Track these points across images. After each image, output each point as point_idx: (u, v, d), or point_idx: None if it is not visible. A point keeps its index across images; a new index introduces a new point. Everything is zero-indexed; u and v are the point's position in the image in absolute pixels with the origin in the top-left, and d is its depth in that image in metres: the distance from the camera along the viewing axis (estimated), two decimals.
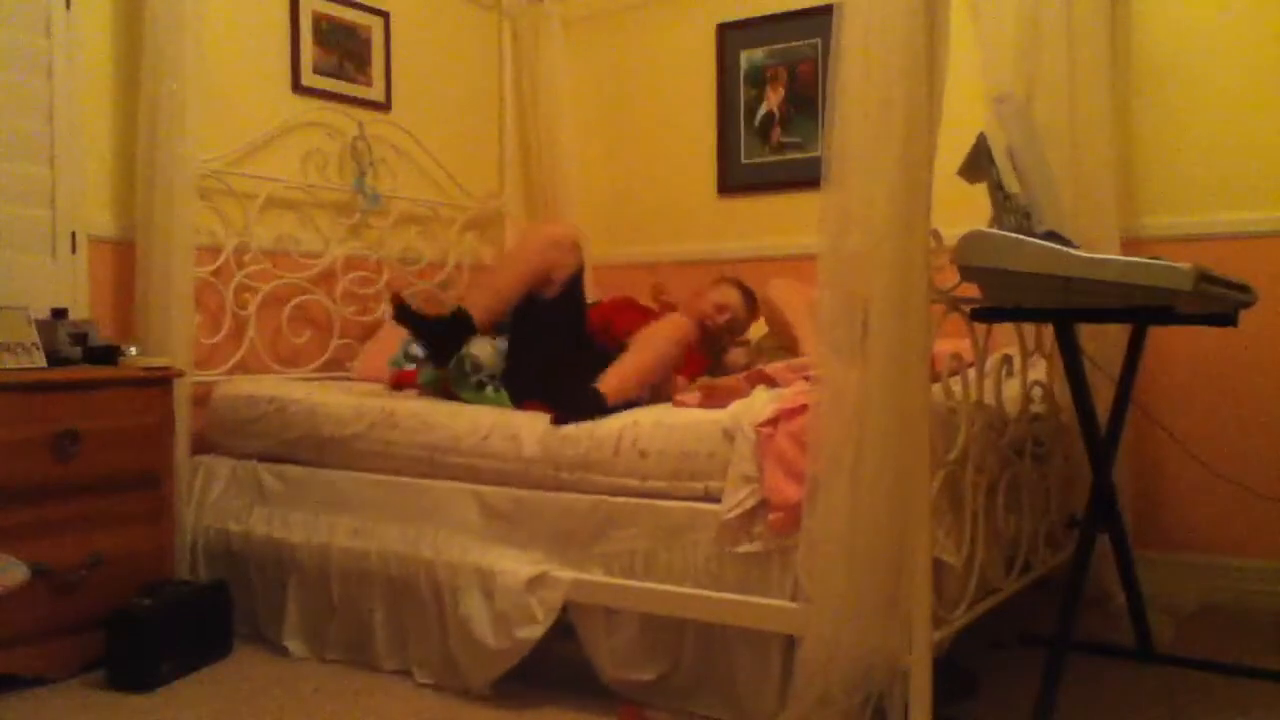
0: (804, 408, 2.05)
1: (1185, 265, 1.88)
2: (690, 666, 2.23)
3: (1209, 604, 2.93)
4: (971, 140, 2.19)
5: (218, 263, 3.15)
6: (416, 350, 3.18)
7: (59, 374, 2.50)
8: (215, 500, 2.90)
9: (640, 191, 4.11)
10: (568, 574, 2.31)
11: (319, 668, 2.58)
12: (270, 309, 3.32)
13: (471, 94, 4.13)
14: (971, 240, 2.03)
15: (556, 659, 2.37)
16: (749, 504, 2.10)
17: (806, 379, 2.14)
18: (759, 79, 3.84)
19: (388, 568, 2.54)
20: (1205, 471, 2.81)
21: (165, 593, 2.53)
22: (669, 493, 2.25)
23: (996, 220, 2.14)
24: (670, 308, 3.12)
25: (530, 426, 2.48)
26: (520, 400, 2.68)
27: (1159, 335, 2.68)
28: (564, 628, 2.33)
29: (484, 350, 2.95)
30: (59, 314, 2.68)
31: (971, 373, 2.19)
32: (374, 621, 2.56)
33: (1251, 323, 2.46)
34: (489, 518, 2.45)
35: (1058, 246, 2.01)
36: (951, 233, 2.01)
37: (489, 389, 2.80)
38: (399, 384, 3.05)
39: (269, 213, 3.31)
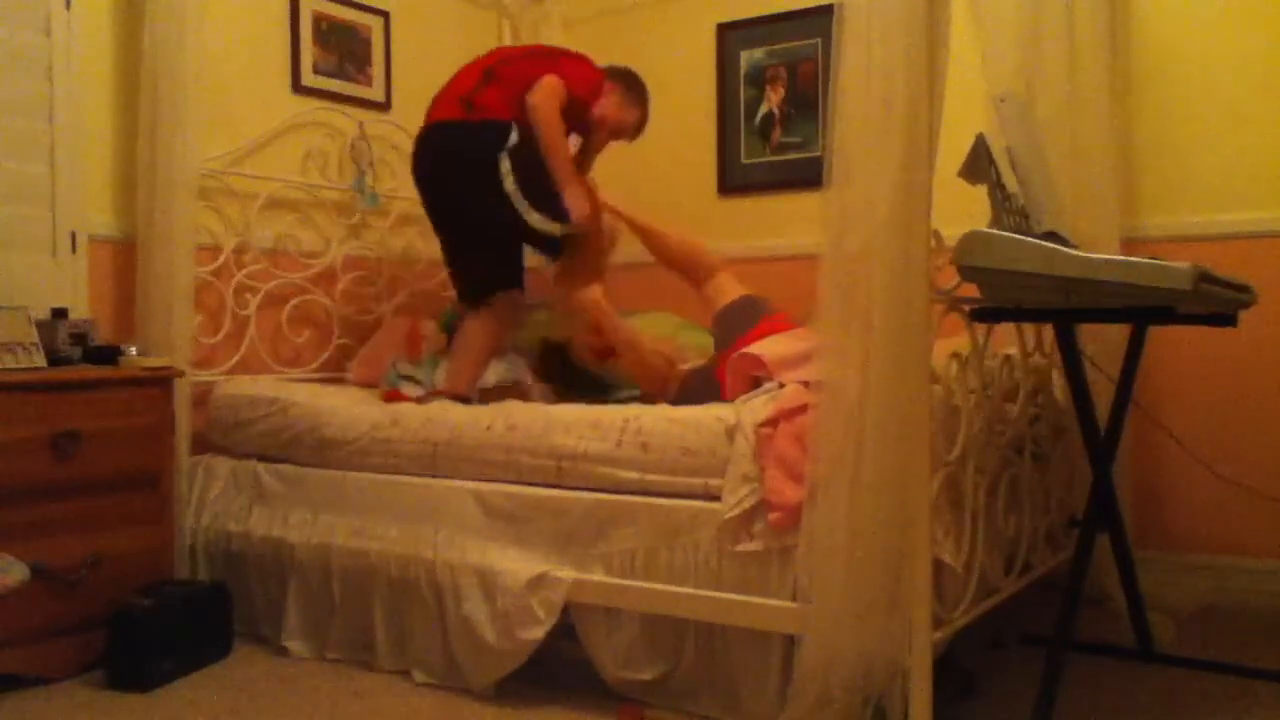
0: (804, 408, 2.05)
1: (1185, 265, 1.88)
2: (691, 666, 2.23)
3: (1209, 604, 2.93)
4: (971, 140, 2.19)
5: (218, 262, 3.15)
6: (408, 369, 3.18)
7: (59, 374, 2.50)
8: (215, 500, 2.90)
9: (640, 191, 4.09)
10: (568, 574, 2.31)
11: (319, 668, 2.58)
12: (270, 309, 3.32)
13: None
14: (971, 240, 2.03)
15: (557, 658, 2.37)
16: (749, 503, 2.11)
17: (805, 384, 2.14)
18: (759, 79, 3.84)
19: (388, 567, 2.54)
20: (1205, 471, 2.81)
21: (165, 593, 2.53)
22: (668, 488, 2.25)
23: (996, 220, 2.14)
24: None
25: (530, 417, 2.48)
26: None
27: (1159, 335, 2.68)
28: (564, 627, 2.34)
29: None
30: (59, 314, 2.68)
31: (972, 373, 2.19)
32: (374, 621, 2.56)
33: (1251, 323, 2.46)
34: (490, 517, 2.45)
35: (1058, 246, 2.01)
36: (951, 233, 2.00)
37: None
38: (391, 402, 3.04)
39: (269, 212, 3.31)
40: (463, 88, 3.05)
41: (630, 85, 3.25)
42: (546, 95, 2.97)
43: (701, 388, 2.60)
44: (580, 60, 3.20)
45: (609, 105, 3.20)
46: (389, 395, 3.06)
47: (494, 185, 2.92)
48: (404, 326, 3.52)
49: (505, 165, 2.92)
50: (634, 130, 3.29)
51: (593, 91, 3.15)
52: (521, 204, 2.93)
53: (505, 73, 3.05)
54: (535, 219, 2.95)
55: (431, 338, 3.40)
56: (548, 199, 2.96)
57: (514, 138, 2.94)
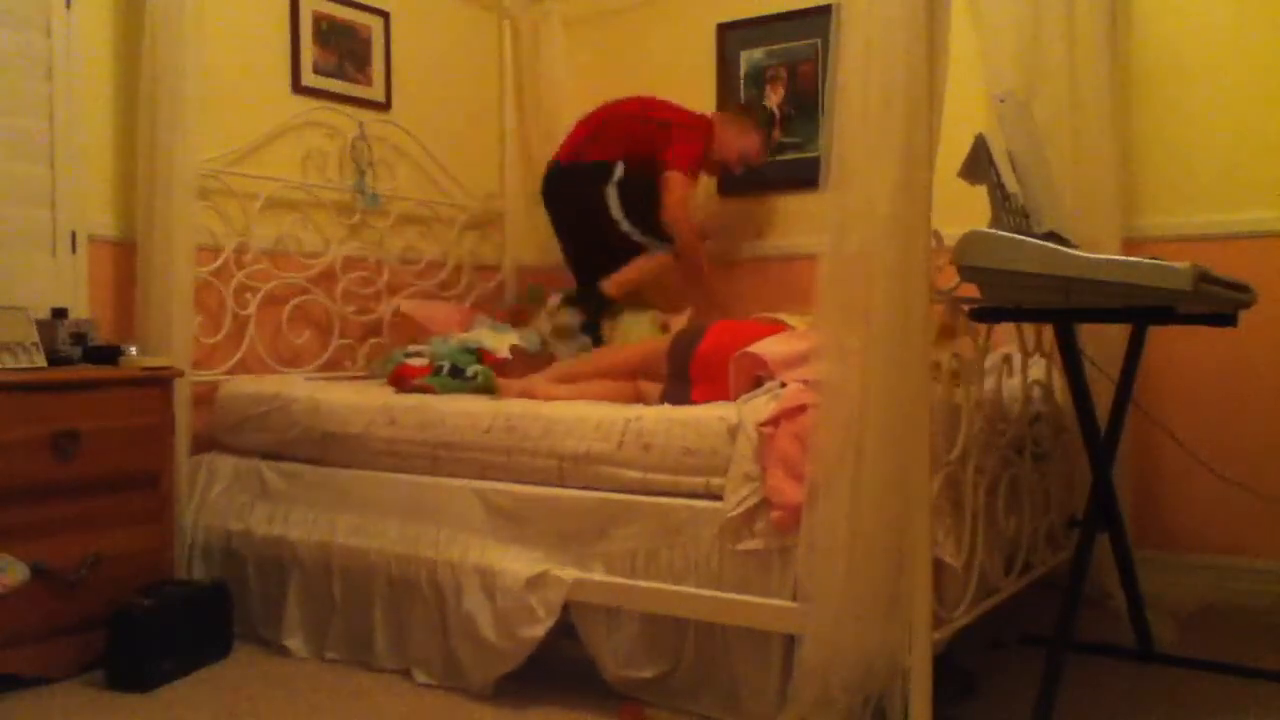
0: (805, 407, 2.05)
1: (1185, 265, 1.88)
2: (691, 665, 2.23)
3: (1209, 604, 2.93)
4: (971, 140, 2.19)
5: (218, 263, 3.15)
6: (417, 348, 3.19)
7: (59, 374, 2.50)
8: (216, 499, 2.90)
9: None
10: (569, 573, 2.31)
11: (319, 667, 2.58)
12: (270, 309, 3.32)
13: (471, 94, 4.13)
14: (971, 240, 2.03)
15: (557, 657, 2.37)
16: (751, 502, 2.11)
17: (805, 382, 2.14)
18: (759, 79, 3.83)
19: (389, 566, 2.54)
20: (1205, 471, 2.81)
21: (165, 593, 2.53)
22: (670, 488, 2.25)
23: (996, 220, 2.14)
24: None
25: (530, 418, 2.48)
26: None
27: (1159, 335, 2.68)
28: (565, 626, 2.34)
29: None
30: (59, 314, 2.68)
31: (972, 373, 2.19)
32: (374, 620, 2.56)
33: (1251, 323, 2.46)
34: (491, 516, 2.45)
35: (1058, 246, 2.01)
36: (951, 233, 2.00)
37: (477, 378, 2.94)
38: (399, 379, 3.05)
39: (269, 213, 3.31)
40: (575, 141, 3.57)
41: (742, 116, 3.60)
42: (677, 201, 3.40)
43: (676, 391, 2.61)
44: (688, 128, 3.52)
45: (728, 144, 3.54)
46: (397, 373, 3.06)
47: (602, 209, 3.43)
48: (408, 327, 3.52)
49: (613, 195, 3.41)
50: (759, 154, 3.59)
51: (703, 148, 3.51)
52: (620, 216, 3.43)
53: (613, 131, 3.53)
54: (626, 226, 3.42)
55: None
56: (646, 220, 3.41)
57: (619, 173, 3.42)
